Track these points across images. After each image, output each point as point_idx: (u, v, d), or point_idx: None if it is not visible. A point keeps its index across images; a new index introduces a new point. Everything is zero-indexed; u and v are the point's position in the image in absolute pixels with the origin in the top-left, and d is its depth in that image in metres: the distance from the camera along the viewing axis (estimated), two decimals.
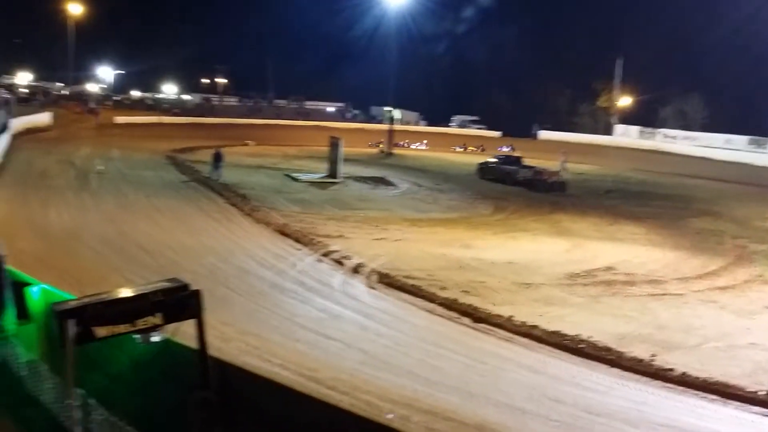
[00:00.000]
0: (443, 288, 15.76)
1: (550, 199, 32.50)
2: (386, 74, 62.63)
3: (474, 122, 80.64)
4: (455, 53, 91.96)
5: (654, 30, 77.82)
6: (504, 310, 14.18)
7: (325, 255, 18.54)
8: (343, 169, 35.25)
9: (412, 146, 58.42)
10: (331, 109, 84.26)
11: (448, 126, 80.00)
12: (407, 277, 16.47)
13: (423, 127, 77.63)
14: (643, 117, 76.21)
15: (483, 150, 58.57)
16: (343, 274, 16.90)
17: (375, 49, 71.37)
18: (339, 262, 17.80)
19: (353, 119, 78.60)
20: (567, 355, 12.32)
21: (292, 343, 11.74)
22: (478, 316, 13.93)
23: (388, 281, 16.23)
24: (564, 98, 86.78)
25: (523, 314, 13.94)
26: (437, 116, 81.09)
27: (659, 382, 11.29)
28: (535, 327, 13.22)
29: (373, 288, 15.89)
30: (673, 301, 16.18)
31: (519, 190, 35.11)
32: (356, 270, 17.12)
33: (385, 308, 14.50)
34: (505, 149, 57.16)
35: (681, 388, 11.12)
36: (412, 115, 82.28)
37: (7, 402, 5.79)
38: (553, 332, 12.96)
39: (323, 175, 35.30)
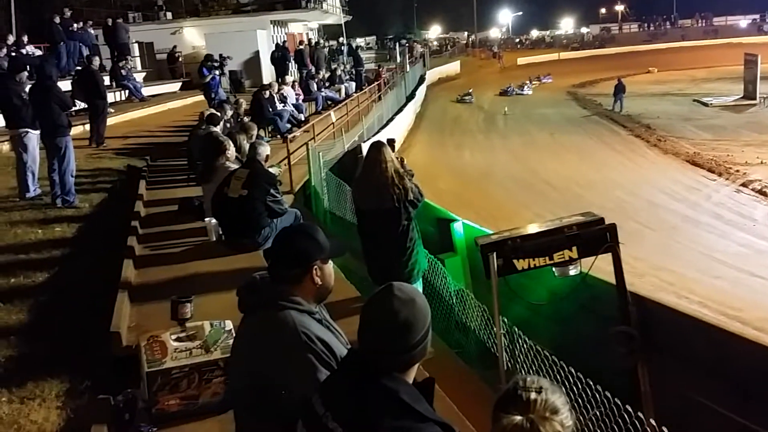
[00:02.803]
0: None
1: None
2: None
3: None
4: None
5: None
6: None
7: (744, 185, 16.85)
8: (763, 88, 31.30)
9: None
10: (744, 22, 74.81)
11: None
12: None
13: None
14: None
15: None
16: (767, 206, 15.19)
17: None
18: (762, 193, 16.04)
19: None
20: None
21: (711, 280, 10.97)
22: None
23: None
24: None
25: None
26: None
27: None
28: None
29: None
30: None
31: None
32: None
33: None
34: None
35: None
36: None
37: (441, 327, 6.45)
38: None
39: (738, 97, 31.86)
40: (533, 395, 1.77)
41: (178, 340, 3.70)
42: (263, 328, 2.58)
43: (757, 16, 74.56)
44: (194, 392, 3.58)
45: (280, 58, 22.23)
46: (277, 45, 23.86)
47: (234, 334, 3.67)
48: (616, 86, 31.85)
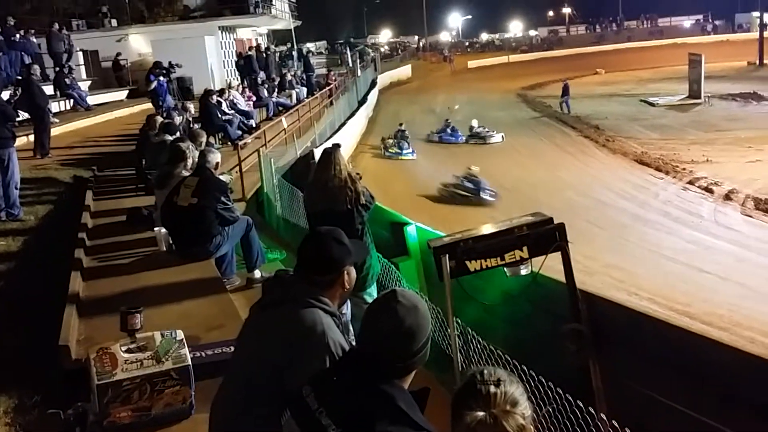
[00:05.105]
0: None
1: None
2: None
3: None
4: None
5: None
6: None
7: (691, 183, 17.31)
8: (707, 87, 32.20)
9: None
10: (687, 23, 76.85)
11: None
12: None
13: None
14: None
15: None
16: (713, 202, 15.64)
17: None
18: (707, 190, 16.48)
19: (715, 31, 70.68)
20: None
21: (661, 277, 11.23)
22: None
23: (766, 207, 14.58)
24: None
25: None
26: None
27: None
28: None
29: (749, 216, 14.44)
30: None
31: None
32: (728, 197, 15.69)
33: (765, 237, 13.12)
34: None
35: None
36: None
37: None
38: None
39: (683, 96, 32.71)
40: (492, 388, 1.78)
41: (128, 351, 3.63)
42: (288, 322, 2.57)
43: (700, 17, 76.57)
44: (146, 403, 3.53)
45: (245, 65, 22.06)
46: (239, 54, 23.76)
47: (184, 342, 3.65)
48: (563, 88, 32.51)
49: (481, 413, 1.75)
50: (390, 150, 23.63)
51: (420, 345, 2.08)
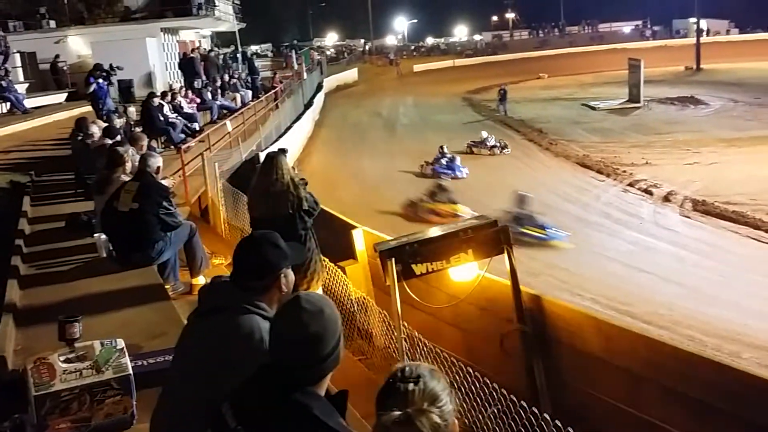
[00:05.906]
0: None
1: None
2: None
3: None
4: None
5: None
6: None
7: (631, 185, 17.71)
8: (646, 91, 33.03)
9: None
10: (627, 29, 78.77)
11: None
12: (727, 203, 15.06)
13: (734, 36, 68.90)
14: None
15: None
16: (653, 204, 16.02)
17: None
18: (647, 192, 16.89)
19: (653, 37, 72.61)
20: None
21: (603, 277, 11.44)
22: None
23: (704, 209, 15.02)
24: None
25: None
26: (754, 20, 70.40)
27: None
28: None
29: (687, 217, 14.85)
30: None
31: None
32: (667, 198, 16.11)
33: (703, 237, 13.47)
34: None
35: None
36: (721, 24, 73.42)
37: (343, 334, 6.42)
38: None
39: (623, 100, 33.48)
40: (411, 386, 1.75)
41: (66, 361, 3.53)
42: (225, 330, 2.53)
43: (639, 23, 78.52)
44: (86, 414, 3.43)
45: (187, 67, 21.65)
46: (184, 54, 23.36)
47: (125, 352, 3.57)
48: (500, 92, 33.17)
49: (396, 413, 1.71)
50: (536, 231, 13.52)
51: (329, 349, 2.04)
